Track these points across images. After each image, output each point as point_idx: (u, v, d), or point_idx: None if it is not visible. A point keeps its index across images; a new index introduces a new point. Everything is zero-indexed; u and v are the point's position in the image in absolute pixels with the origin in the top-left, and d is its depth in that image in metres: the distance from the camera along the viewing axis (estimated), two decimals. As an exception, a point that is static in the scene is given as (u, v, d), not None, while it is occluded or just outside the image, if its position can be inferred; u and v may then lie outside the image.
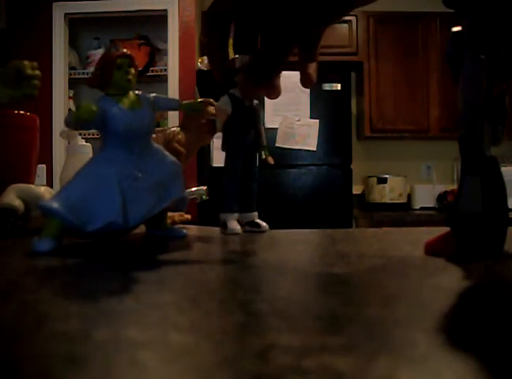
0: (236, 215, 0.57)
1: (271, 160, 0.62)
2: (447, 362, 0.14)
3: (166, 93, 2.59)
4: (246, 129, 0.57)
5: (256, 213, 0.59)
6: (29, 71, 0.67)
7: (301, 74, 0.41)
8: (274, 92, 0.41)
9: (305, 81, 0.42)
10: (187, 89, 2.66)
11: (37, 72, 0.69)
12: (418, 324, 0.18)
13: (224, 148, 0.58)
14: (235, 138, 0.57)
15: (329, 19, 0.36)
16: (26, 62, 0.67)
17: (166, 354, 0.15)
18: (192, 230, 0.61)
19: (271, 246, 0.46)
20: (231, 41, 0.41)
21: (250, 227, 0.58)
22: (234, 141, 0.57)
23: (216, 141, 2.30)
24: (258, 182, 0.59)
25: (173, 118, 2.61)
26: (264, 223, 0.58)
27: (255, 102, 0.58)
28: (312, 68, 0.41)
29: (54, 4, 2.72)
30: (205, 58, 2.60)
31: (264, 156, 0.61)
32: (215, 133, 0.60)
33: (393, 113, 2.94)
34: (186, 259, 0.38)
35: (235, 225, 0.55)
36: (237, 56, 0.45)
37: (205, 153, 2.41)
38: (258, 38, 0.39)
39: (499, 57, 0.35)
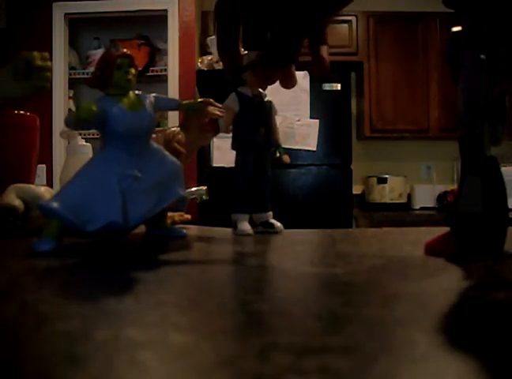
0: (247, 215, 0.56)
1: (286, 159, 0.60)
2: (447, 362, 0.14)
3: (166, 93, 2.59)
4: (255, 128, 0.56)
5: (270, 213, 0.57)
6: (39, 62, 0.64)
7: (314, 59, 0.40)
8: (291, 81, 0.41)
9: (319, 65, 0.40)
10: (187, 89, 2.65)
11: (48, 63, 0.66)
12: (418, 324, 0.18)
13: (233, 146, 0.57)
14: (243, 136, 0.56)
15: (336, 7, 0.35)
16: (36, 53, 0.65)
17: (166, 354, 0.15)
18: (192, 230, 0.61)
19: (271, 246, 0.46)
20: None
21: (264, 228, 0.57)
22: (243, 140, 0.56)
23: (217, 141, 2.31)
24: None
25: (173, 118, 2.61)
26: (278, 224, 0.57)
27: (266, 99, 0.57)
28: (324, 51, 0.40)
29: (54, 4, 2.72)
30: (205, 57, 2.60)
31: (278, 155, 0.59)
32: (218, 132, 0.59)
33: (393, 113, 2.94)
34: (186, 259, 0.38)
35: (245, 226, 0.54)
36: (245, 52, 0.45)
37: (205, 153, 2.41)
38: (267, 33, 0.39)
39: (499, 57, 0.35)
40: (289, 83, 0.41)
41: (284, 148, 0.60)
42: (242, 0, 0.38)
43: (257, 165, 0.56)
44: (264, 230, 0.57)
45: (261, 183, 0.57)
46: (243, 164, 0.56)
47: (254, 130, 0.56)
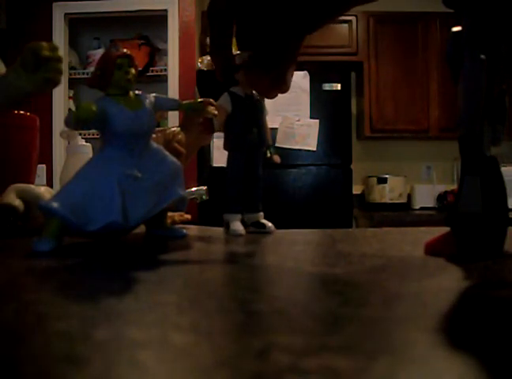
0: (239, 215, 0.56)
1: (277, 159, 0.60)
2: (447, 362, 0.14)
3: (166, 93, 2.59)
4: (247, 128, 0.55)
5: (261, 214, 0.57)
6: (46, 52, 0.59)
7: (275, 78, 0.40)
8: (283, 86, 0.41)
9: (279, 87, 0.41)
10: (187, 89, 2.66)
11: (57, 53, 0.61)
12: (418, 324, 0.18)
13: (225, 147, 0.57)
14: (236, 137, 0.56)
15: (331, 15, 0.35)
16: (43, 43, 0.60)
17: (166, 354, 0.15)
18: (192, 230, 0.61)
19: (271, 246, 0.46)
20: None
21: (255, 228, 0.57)
22: (235, 140, 0.56)
23: (217, 141, 2.31)
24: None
25: (173, 118, 2.61)
26: (270, 224, 0.57)
27: (258, 98, 0.57)
28: (290, 71, 0.40)
29: (54, 4, 2.72)
30: (205, 57, 2.60)
31: (269, 155, 0.59)
32: (213, 131, 0.59)
33: (393, 113, 2.94)
34: (186, 259, 0.38)
35: (237, 226, 0.54)
36: (238, 52, 0.45)
37: (205, 153, 2.41)
38: (261, 33, 0.39)
39: (499, 57, 0.35)
40: (282, 87, 0.41)
41: (275, 148, 0.60)
42: (235, 0, 0.38)
43: (249, 165, 0.56)
44: (255, 231, 0.57)
45: (252, 183, 0.57)
46: (235, 164, 0.56)
47: (247, 130, 0.55)
